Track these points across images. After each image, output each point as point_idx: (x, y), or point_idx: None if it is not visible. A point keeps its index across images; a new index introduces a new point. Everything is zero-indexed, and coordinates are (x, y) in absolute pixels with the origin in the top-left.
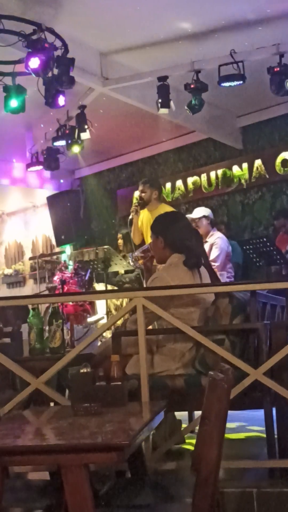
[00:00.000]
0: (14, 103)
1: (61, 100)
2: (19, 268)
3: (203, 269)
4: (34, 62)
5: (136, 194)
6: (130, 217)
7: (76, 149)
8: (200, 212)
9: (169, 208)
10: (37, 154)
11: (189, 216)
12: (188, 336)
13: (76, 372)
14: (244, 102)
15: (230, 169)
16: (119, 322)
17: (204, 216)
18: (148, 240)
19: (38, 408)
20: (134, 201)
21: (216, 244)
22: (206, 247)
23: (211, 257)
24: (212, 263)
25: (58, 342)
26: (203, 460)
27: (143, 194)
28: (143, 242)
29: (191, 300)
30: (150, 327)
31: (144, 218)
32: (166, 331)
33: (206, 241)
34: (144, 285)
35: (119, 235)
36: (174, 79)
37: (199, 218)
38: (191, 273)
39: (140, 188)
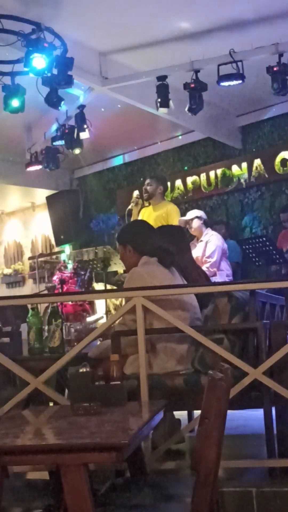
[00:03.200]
0: (13, 102)
1: (62, 106)
2: (18, 268)
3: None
4: (37, 62)
5: (136, 193)
6: (130, 207)
7: (75, 149)
8: (192, 213)
9: (172, 206)
10: (36, 153)
11: (182, 218)
12: (186, 335)
13: (75, 371)
14: (243, 101)
15: (230, 168)
16: (117, 323)
17: (197, 217)
18: None
19: (38, 408)
20: (135, 195)
21: (210, 241)
22: (201, 245)
23: (206, 253)
24: (208, 259)
25: (57, 342)
26: (202, 460)
27: (148, 187)
28: None
29: (177, 303)
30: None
31: (146, 215)
32: (165, 331)
33: (201, 240)
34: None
35: None
36: (173, 79)
37: (191, 219)
38: (168, 271)
39: (147, 181)
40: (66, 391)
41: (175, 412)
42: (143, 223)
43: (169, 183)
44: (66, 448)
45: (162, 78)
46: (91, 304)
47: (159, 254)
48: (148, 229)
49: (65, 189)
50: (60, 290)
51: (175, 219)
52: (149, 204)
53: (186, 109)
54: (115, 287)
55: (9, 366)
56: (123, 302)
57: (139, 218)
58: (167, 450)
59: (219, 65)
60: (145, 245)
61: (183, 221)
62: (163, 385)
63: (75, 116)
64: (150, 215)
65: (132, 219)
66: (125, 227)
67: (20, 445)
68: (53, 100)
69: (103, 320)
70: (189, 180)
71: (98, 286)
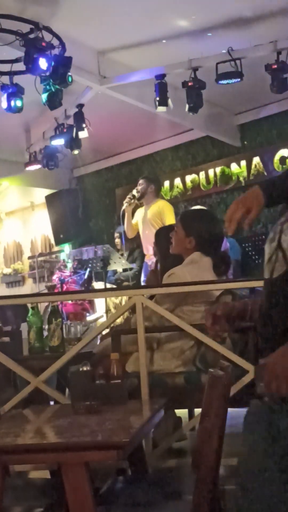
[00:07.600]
0: (12, 102)
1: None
2: (18, 268)
3: None
4: (42, 63)
5: (134, 192)
6: (123, 207)
7: (74, 149)
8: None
9: (167, 204)
10: (35, 153)
11: None
12: (189, 333)
13: (76, 370)
14: (242, 99)
15: (229, 166)
16: (119, 321)
17: None
18: (144, 235)
19: (38, 407)
20: (128, 195)
21: None
22: None
23: None
24: None
25: (57, 341)
26: (203, 458)
27: (139, 187)
28: (137, 237)
29: (205, 298)
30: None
31: (139, 215)
32: (166, 329)
33: None
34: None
35: (116, 234)
36: (172, 77)
37: None
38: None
39: (139, 182)
40: (67, 390)
41: (176, 410)
42: (215, 218)
43: (168, 182)
44: (67, 447)
45: (160, 76)
46: (91, 303)
47: (215, 258)
48: (216, 227)
49: (64, 188)
50: (60, 289)
51: (169, 216)
52: (142, 204)
53: (187, 109)
54: (114, 286)
55: (9, 365)
56: (123, 301)
57: (133, 218)
58: (168, 448)
59: (217, 63)
60: (207, 244)
61: None
62: (164, 383)
63: (74, 115)
64: (143, 214)
65: (126, 220)
66: (196, 215)
67: (21, 444)
68: (54, 101)
69: (103, 319)
70: (188, 178)
71: (98, 285)
